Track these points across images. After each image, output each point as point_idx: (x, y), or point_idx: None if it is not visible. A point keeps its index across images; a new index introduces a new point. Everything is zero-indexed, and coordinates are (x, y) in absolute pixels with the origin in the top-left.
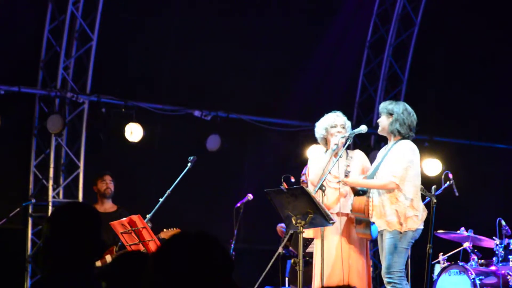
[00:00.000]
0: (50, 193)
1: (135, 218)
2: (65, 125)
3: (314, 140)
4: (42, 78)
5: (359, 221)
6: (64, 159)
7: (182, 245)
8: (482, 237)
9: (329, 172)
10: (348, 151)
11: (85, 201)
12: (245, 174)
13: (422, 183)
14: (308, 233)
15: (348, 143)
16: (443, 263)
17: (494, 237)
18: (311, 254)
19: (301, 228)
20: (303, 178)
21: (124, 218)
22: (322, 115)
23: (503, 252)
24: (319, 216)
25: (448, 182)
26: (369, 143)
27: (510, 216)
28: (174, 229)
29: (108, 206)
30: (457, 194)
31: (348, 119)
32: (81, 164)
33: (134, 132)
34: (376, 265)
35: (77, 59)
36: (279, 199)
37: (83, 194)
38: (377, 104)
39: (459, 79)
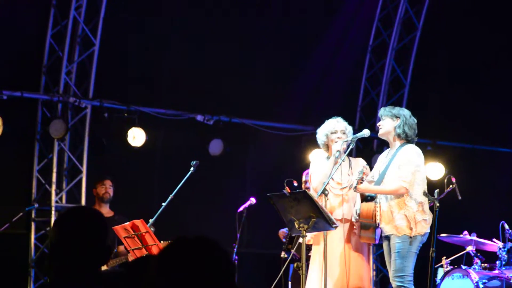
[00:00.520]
0: (53, 197)
1: (138, 222)
2: (68, 130)
3: (316, 144)
4: (44, 83)
5: (366, 226)
6: (67, 163)
7: (183, 249)
8: (485, 240)
9: (332, 178)
10: (351, 158)
11: (88, 205)
12: (248, 178)
13: None
14: (307, 238)
15: (350, 147)
16: (446, 267)
17: (493, 239)
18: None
19: (304, 232)
20: (306, 178)
21: (127, 223)
22: (324, 120)
23: (506, 255)
24: (322, 220)
25: (451, 186)
26: (372, 147)
27: None
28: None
29: (105, 211)
30: (460, 198)
31: (351, 123)
32: (84, 169)
33: (136, 136)
34: (380, 270)
35: (79, 64)
36: (281, 203)
37: (85, 199)
38: (380, 108)
39: (462, 83)
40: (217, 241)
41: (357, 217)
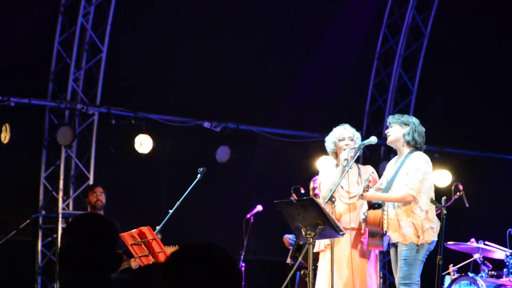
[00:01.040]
0: (60, 204)
1: (145, 229)
2: (75, 136)
3: (324, 151)
4: (52, 90)
5: (374, 234)
6: (74, 170)
7: (190, 255)
8: (492, 246)
9: (341, 187)
10: (360, 165)
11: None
12: (255, 185)
13: None
14: (316, 247)
15: (358, 154)
16: (453, 275)
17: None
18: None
19: (311, 239)
20: (314, 185)
21: (134, 230)
22: (331, 126)
23: None
24: (328, 227)
25: (458, 194)
26: (379, 155)
27: None
28: (173, 247)
29: None
30: (467, 205)
31: (358, 130)
32: (91, 176)
33: (143, 143)
34: (386, 277)
35: (87, 71)
36: (288, 210)
37: None
38: (387, 115)
39: (469, 90)
40: (223, 248)
41: (364, 217)
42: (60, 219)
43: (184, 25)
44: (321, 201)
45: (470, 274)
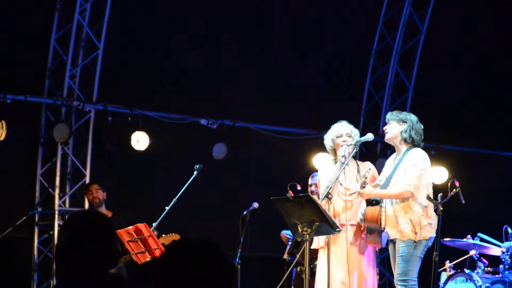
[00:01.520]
0: (57, 201)
1: (141, 226)
2: (72, 133)
3: (320, 148)
4: (48, 86)
5: (371, 230)
6: (70, 167)
7: (183, 251)
8: (487, 241)
9: (340, 184)
10: (359, 162)
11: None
12: (251, 182)
13: None
14: (315, 244)
15: (354, 151)
16: (450, 271)
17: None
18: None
19: (307, 236)
20: (311, 182)
21: (130, 227)
22: (328, 123)
23: (509, 259)
24: (325, 224)
25: (454, 190)
26: (375, 151)
27: None
28: (173, 234)
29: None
30: (463, 202)
31: (354, 127)
32: (87, 173)
33: (140, 140)
34: (383, 274)
35: (83, 68)
36: (285, 207)
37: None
38: (383, 112)
39: (466, 87)
40: (217, 244)
41: (362, 218)
42: (56, 216)
43: (180, 21)
44: (317, 197)
45: (466, 271)
